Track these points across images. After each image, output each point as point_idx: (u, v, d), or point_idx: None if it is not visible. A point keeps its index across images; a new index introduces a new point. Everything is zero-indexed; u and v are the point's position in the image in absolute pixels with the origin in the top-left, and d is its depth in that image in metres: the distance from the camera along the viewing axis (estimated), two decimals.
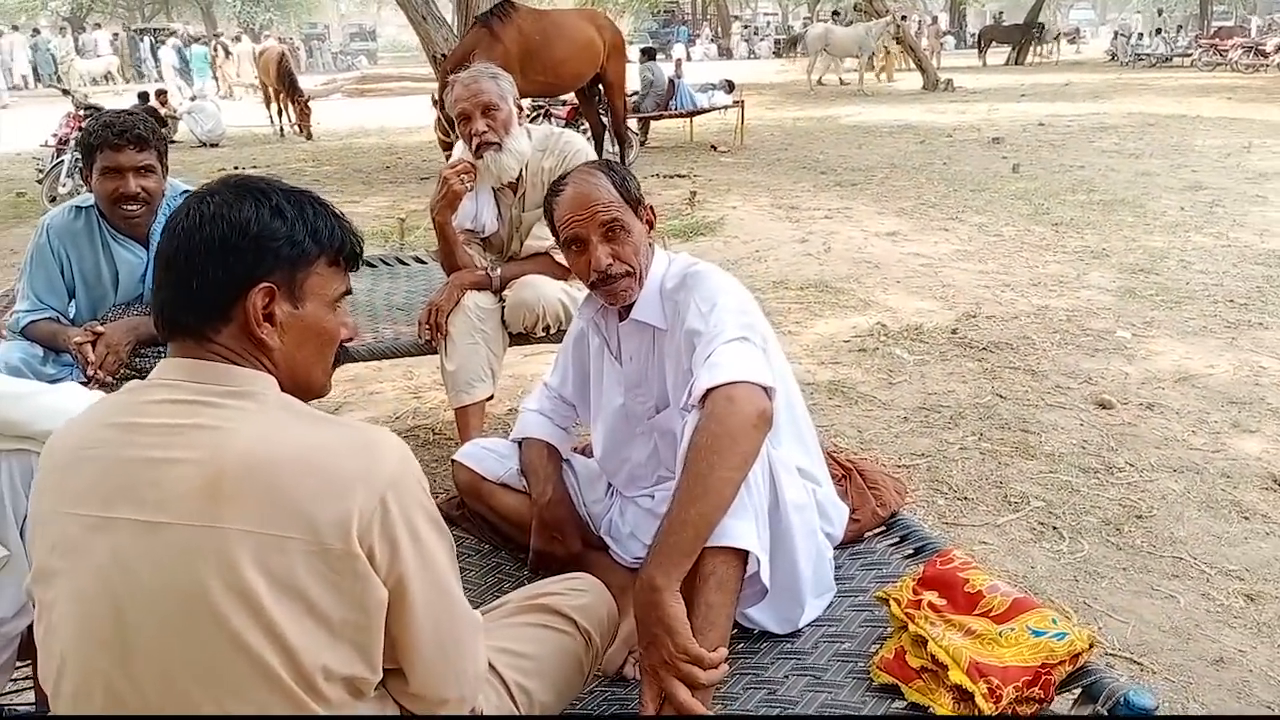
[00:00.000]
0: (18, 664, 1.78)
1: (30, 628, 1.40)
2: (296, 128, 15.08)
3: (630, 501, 2.13)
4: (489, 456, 2.18)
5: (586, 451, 2.40)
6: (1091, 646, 1.56)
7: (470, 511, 2.26)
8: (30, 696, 1.96)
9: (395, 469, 1.13)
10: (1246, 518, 2.87)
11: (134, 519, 1.08)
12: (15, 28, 32.04)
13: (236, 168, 11.32)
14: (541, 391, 2.22)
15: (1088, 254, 6.03)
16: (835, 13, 29.10)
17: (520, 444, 2.16)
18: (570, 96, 9.81)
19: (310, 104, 15.09)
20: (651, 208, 1.97)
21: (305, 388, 1.23)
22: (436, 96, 8.28)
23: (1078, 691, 1.52)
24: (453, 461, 2.24)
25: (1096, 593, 2.55)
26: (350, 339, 1.31)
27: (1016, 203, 7.73)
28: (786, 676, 1.70)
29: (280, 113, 15.60)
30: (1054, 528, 2.86)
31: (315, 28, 46.30)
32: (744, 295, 1.86)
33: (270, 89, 15.50)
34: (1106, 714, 1.45)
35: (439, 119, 8.04)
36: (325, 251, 1.22)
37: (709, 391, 1.60)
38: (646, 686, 1.49)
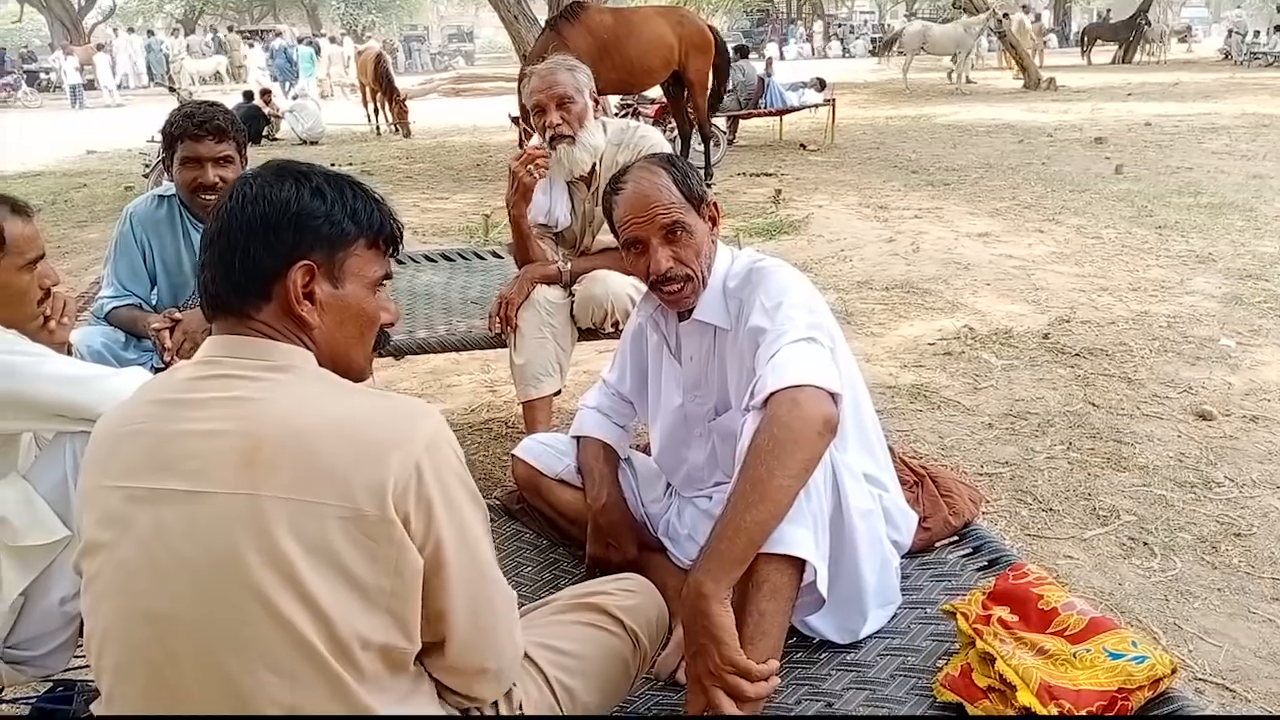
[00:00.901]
0: (80, 642, 1.82)
1: None
2: (393, 126, 15.41)
3: (688, 502, 2.09)
4: (548, 452, 2.15)
5: (646, 449, 2.36)
6: (1174, 672, 1.45)
7: (529, 506, 2.24)
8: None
9: (430, 436, 1.13)
10: None
11: (174, 489, 1.09)
12: (131, 29, 33.49)
13: (333, 164, 11.60)
14: (600, 388, 2.18)
15: (1192, 258, 5.74)
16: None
17: (578, 441, 2.13)
18: (658, 94, 9.78)
19: (407, 103, 15.39)
20: (716, 204, 1.91)
21: (345, 369, 1.24)
22: (521, 114, 8.27)
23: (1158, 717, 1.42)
24: (512, 456, 2.22)
25: (1189, 614, 2.40)
26: (391, 323, 1.31)
27: (1118, 204, 7.41)
28: (845, 689, 1.63)
29: (377, 111, 15.97)
30: (1145, 544, 2.70)
31: (415, 29, 47.33)
32: (811, 293, 1.79)
33: (368, 88, 15.88)
34: None
35: (522, 132, 8.04)
36: (364, 233, 1.23)
37: (773, 394, 1.54)
38: (691, 695, 1.44)
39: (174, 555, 1.08)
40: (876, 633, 1.75)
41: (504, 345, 2.98)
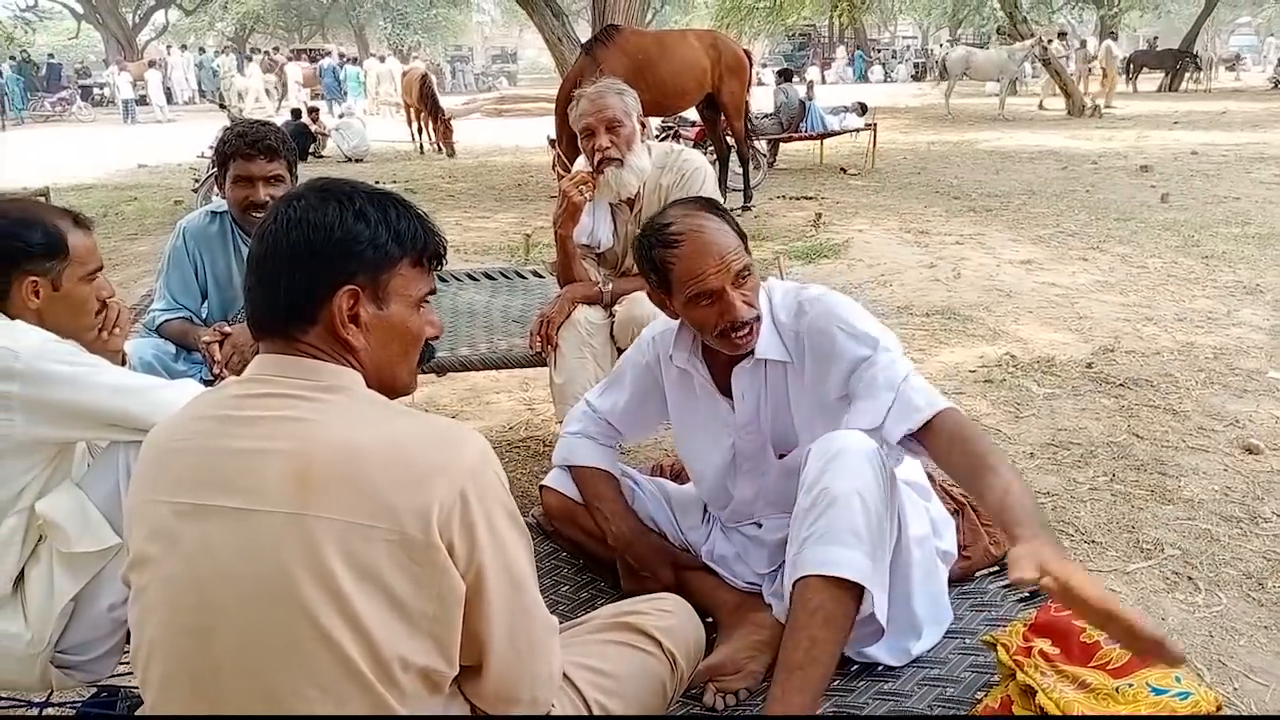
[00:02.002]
0: (126, 648, 1.86)
1: None
2: (437, 146, 15.60)
3: (733, 529, 2.08)
4: None
5: (679, 476, 2.36)
6: (1219, 709, 1.43)
7: (561, 535, 2.24)
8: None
9: (475, 463, 1.14)
10: None
11: (225, 505, 1.11)
12: (184, 47, 34.21)
13: (378, 182, 11.74)
14: (585, 414, 2.16)
15: (1240, 289, 5.65)
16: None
17: (571, 470, 2.12)
18: (698, 118, 9.82)
19: (451, 122, 15.57)
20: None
21: (390, 386, 1.26)
22: (556, 136, 8.25)
23: None
24: (541, 488, 2.20)
25: (1234, 650, 2.35)
26: (436, 337, 1.32)
27: (1164, 234, 7.32)
28: (888, 717, 1.62)
29: (420, 130, 16.17)
30: (1189, 578, 2.66)
31: (460, 50, 47.93)
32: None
33: (412, 108, 16.09)
34: None
35: (557, 156, 8.09)
36: (408, 253, 1.24)
37: (940, 412, 1.64)
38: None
39: (221, 571, 1.10)
40: (917, 661, 1.74)
41: (544, 364, 3.00)
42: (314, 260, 1.18)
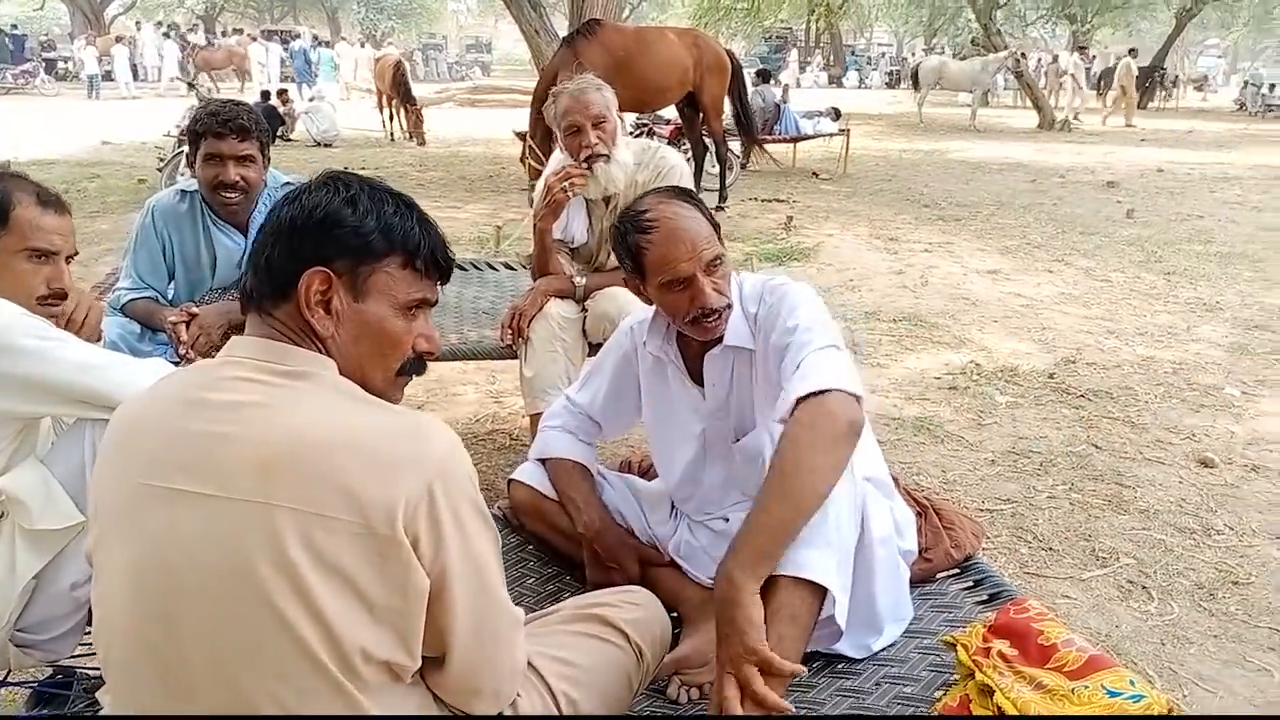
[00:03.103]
0: (87, 629, 1.83)
1: None
2: (407, 134, 15.49)
3: (701, 525, 2.09)
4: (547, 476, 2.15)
5: (648, 473, 2.37)
6: (1170, 712, 1.46)
7: (527, 531, 2.23)
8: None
9: (444, 458, 1.13)
10: None
11: (189, 490, 1.10)
12: (159, 24, 33.64)
13: (345, 168, 11.62)
14: (565, 408, 2.17)
15: (1200, 306, 5.76)
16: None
17: (545, 463, 2.11)
18: (673, 115, 9.83)
19: (423, 111, 15.46)
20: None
21: (361, 386, 1.22)
22: (529, 130, 8.13)
23: None
24: (510, 481, 2.20)
25: (1184, 659, 2.41)
26: (432, 353, 1.29)
27: (1128, 249, 7.45)
28: (844, 714, 1.64)
29: (391, 118, 16.04)
30: (1143, 587, 2.72)
31: (434, 38, 47.57)
32: (820, 304, 1.84)
33: (384, 95, 15.95)
34: None
35: (529, 149, 8.01)
36: (397, 250, 1.22)
37: (801, 399, 1.58)
38: (717, 681, 1.44)
39: (186, 556, 1.09)
40: (876, 659, 1.76)
41: (514, 356, 3.00)
42: (294, 236, 1.18)
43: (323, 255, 1.18)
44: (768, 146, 10.86)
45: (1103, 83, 28.37)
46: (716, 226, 1.86)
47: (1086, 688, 1.51)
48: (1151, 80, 27.13)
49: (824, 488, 1.52)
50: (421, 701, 1.22)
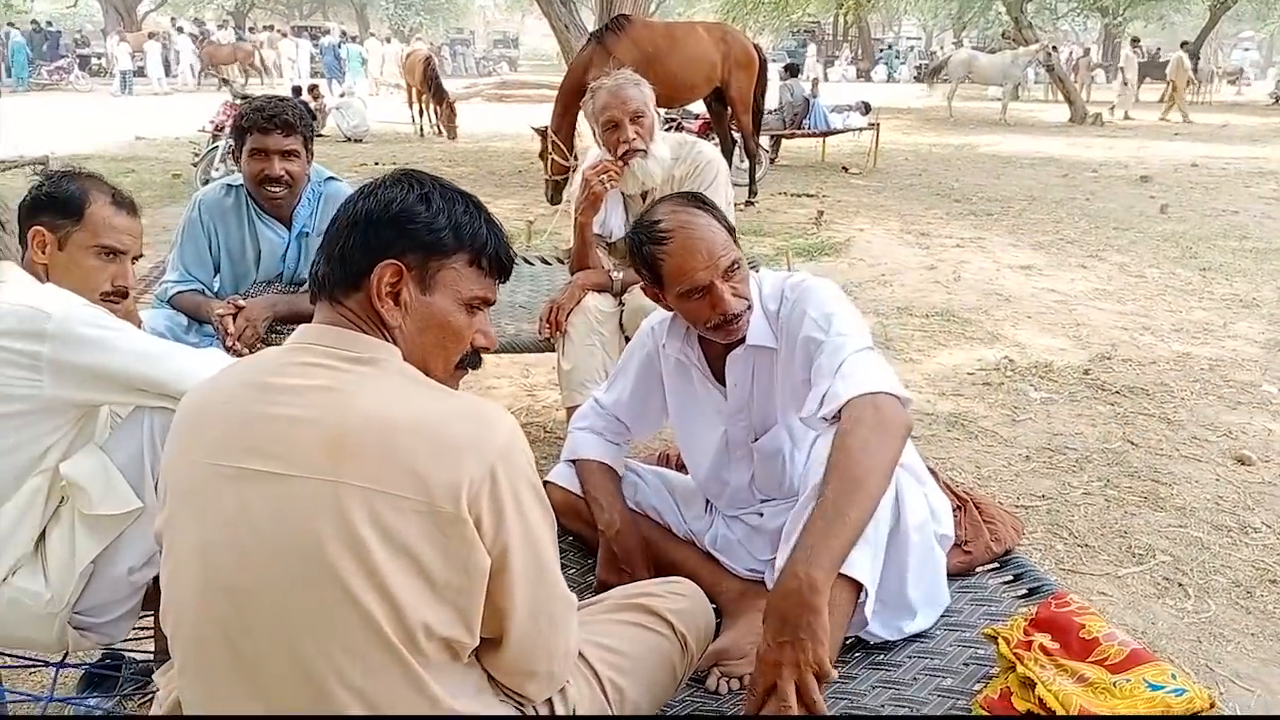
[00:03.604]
0: (142, 613, 1.88)
1: (156, 579, 1.48)
2: (437, 128, 15.57)
3: (735, 519, 2.11)
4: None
5: (684, 467, 2.38)
6: (1212, 706, 1.47)
7: (565, 530, 2.25)
8: (151, 646, 2.06)
9: (506, 441, 1.17)
10: None
11: (259, 470, 1.14)
12: (173, 20, 33.95)
13: (377, 163, 11.75)
14: (593, 409, 2.18)
15: (1236, 302, 5.71)
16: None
17: (575, 464, 2.13)
18: (702, 110, 9.84)
19: (454, 106, 15.53)
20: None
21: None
22: (553, 126, 8.04)
23: None
24: (545, 483, 2.22)
25: (1221, 656, 2.40)
26: (489, 348, 1.33)
27: (1163, 244, 7.39)
28: (884, 705, 1.65)
29: (421, 113, 16.13)
30: (1180, 584, 2.71)
31: (461, 33, 47.76)
32: (848, 302, 1.85)
33: (414, 89, 16.04)
34: None
35: (552, 143, 7.93)
36: (465, 248, 1.27)
37: (850, 400, 1.59)
38: (762, 677, 1.44)
39: (256, 533, 1.12)
40: (917, 650, 1.77)
41: (551, 350, 3.03)
42: (370, 228, 1.22)
43: (396, 248, 1.22)
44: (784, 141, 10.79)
45: (1145, 77, 28.05)
46: (731, 230, 1.86)
47: (1129, 681, 1.52)
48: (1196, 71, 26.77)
49: (884, 489, 1.54)
50: (479, 681, 1.25)
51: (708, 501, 2.18)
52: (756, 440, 1.96)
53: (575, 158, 7.63)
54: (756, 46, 9.20)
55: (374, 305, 1.22)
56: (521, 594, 1.20)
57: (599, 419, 2.17)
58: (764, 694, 1.43)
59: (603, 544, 2.02)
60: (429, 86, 15.29)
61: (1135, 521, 3.05)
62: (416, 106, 16.26)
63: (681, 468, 2.40)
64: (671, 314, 1.98)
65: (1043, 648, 1.60)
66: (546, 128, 7.99)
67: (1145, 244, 7.40)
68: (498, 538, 1.15)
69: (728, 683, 1.79)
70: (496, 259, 1.30)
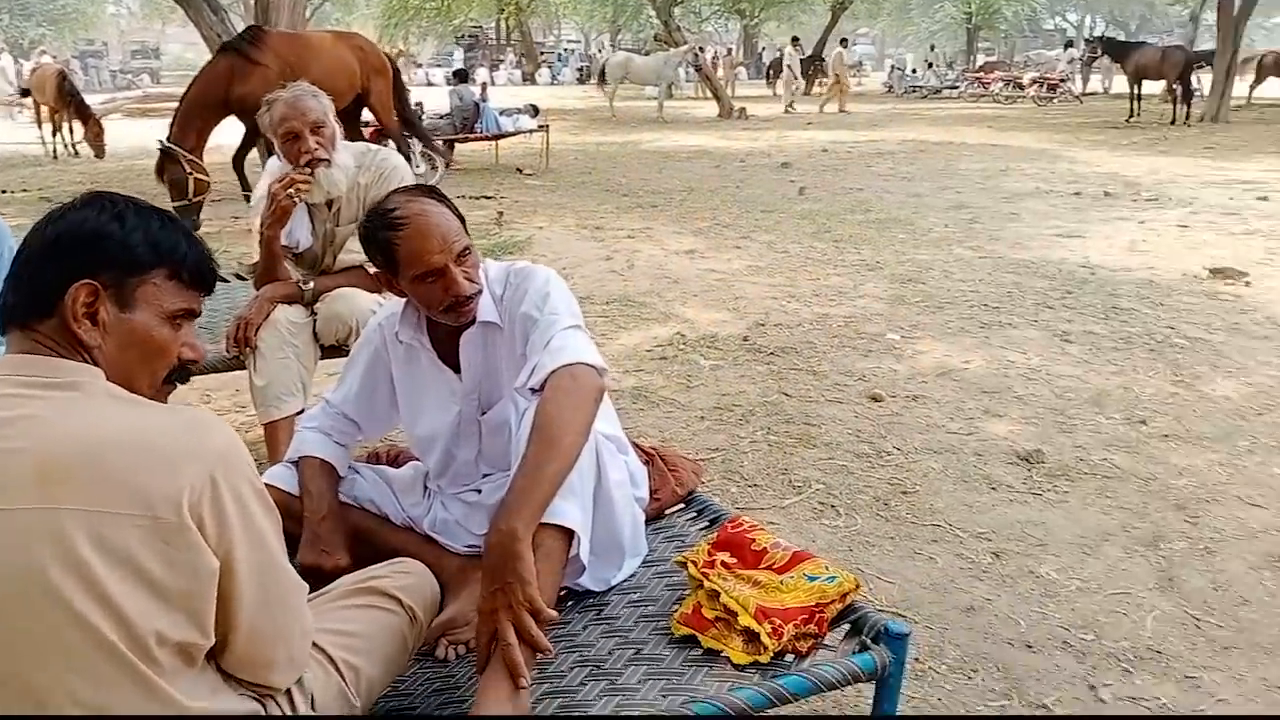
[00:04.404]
0: None
1: None
2: (73, 149, 14.13)
3: (454, 498, 2.24)
4: (295, 477, 2.20)
5: (395, 461, 2.48)
6: (858, 587, 1.83)
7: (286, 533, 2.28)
8: None
9: (223, 446, 1.21)
10: (994, 488, 3.30)
11: None
12: None
13: (4, 191, 10.57)
14: (322, 409, 2.24)
15: (864, 267, 6.59)
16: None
17: (298, 462, 2.16)
18: (370, 117, 9.81)
19: (101, 122, 14.14)
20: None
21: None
22: (171, 140, 7.53)
23: (847, 626, 1.78)
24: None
25: (869, 559, 2.87)
26: (196, 360, 1.35)
27: (802, 222, 8.31)
28: (597, 640, 1.86)
29: (55, 132, 14.60)
30: (832, 506, 3.19)
31: (92, 44, 43.37)
32: (566, 287, 2.06)
33: (47, 108, 14.46)
34: (870, 641, 1.71)
35: (186, 159, 7.39)
36: (164, 263, 1.28)
37: (554, 371, 1.79)
38: (482, 626, 1.60)
39: None
40: (621, 588, 2.02)
41: (241, 368, 2.98)
42: (60, 252, 1.21)
43: (90, 269, 1.22)
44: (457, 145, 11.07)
45: (772, 72, 30.79)
46: (462, 219, 2.02)
47: (792, 578, 1.85)
48: (813, 68, 29.79)
49: (580, 446, 1.74)
50: (214, 681, 1.29)
51: (425, 489, 2.30)
52: (485, 414, 2.11)
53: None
54: (387, 55, 9.59)
55: (70, 328, 1.21)
56: (252, 586, 1.24)
57: (327, 418, 2.21)
58: (488, 643, 1.59)
59: (307, 527, 2.04)
60: (67, 103, 13.82)
61: (793, 460, 3.53)
62: (49, 126, 14.66)
63: (393, 463, 2.51)
64: (404, 303, 2.08)
65: (724, 564, 1.89)
66: (172, 143, 7.51)
67: (788, 223, 8.29)
68: (222, 539, 1.19)
69: (455, 649, 1.93)
70: (198, 271, 1.32)
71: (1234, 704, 2.24)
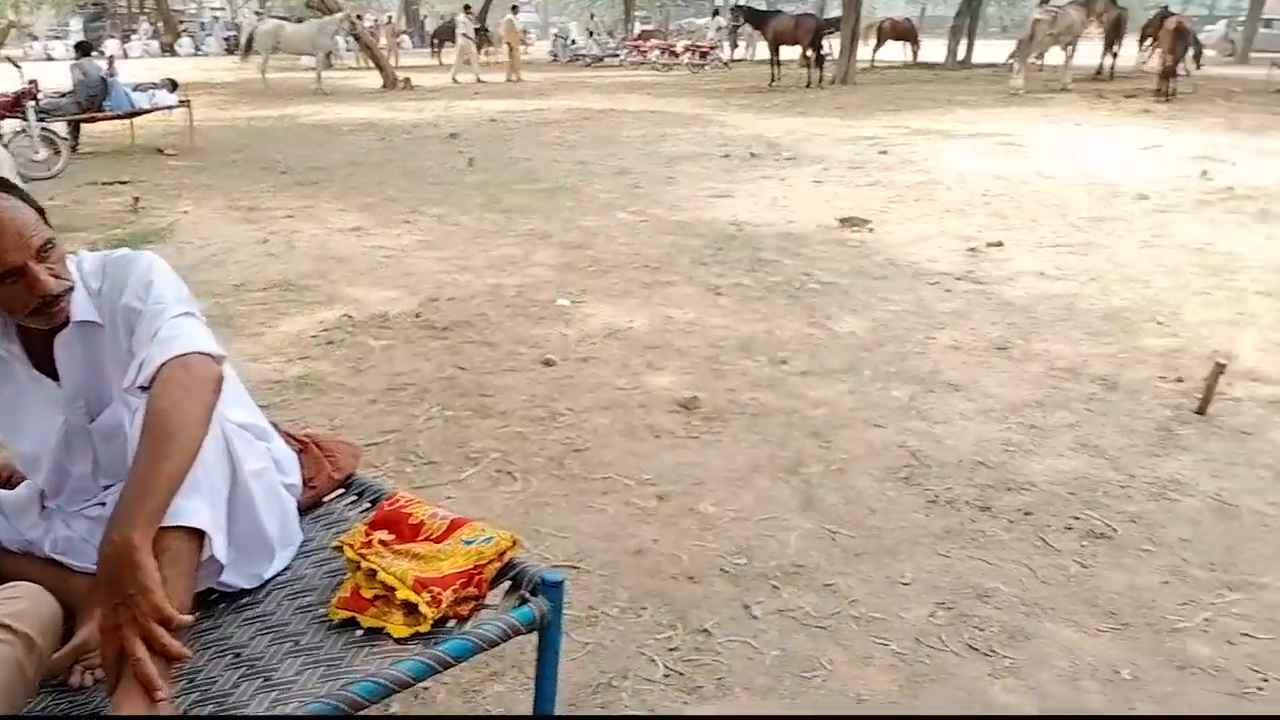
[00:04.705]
0: None
1: None
2: None
3: (76, 516, 2.05)
4: None
5: (8, 483, 2.24)
6: (515, 544, 1.87)
7: None
8: None
9: None
10: (658, 436, 3.49)
11: None
12: None
13: None
14: None
15: (534, 236, 6.69)
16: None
17: None
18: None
19: None
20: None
21: None
22: None
23: (508, 584, 1.82)
24: None
25: (544, 519, 2.95)
26: None
27: (472, 193, 8.29)
28: (251, 638, 1.78)
29: None
30: (509, 473, 3.24)
31: None
32: (172, 273, 1.91)
33: None
34: (529, 594, 1.76)
35: None
36: None
37: (163, 364, 1.66)
38: (106, 647, 1.48)
39: None
40: (276, 583, 1.93)
41: None
42: None
43: None
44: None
45: (436, 41, 30.28)
46: (41, 211, 1.82)
47: (449, 545, 1.86)
48: (482, 36, 29.62)
49: (199, 440, 1.63)
50: None
51: (42, 508, 2.09)
52: (94, 421, 1.93)
53: None
54: None
55: None
56: None
57: None
58: (115, 662, 1.47)
59: None
60: None
61: (469, 432, 3.54)
62: None
63: (6, 485, 2.25)
64: None
65: (381, 542, 1.87)
66: None
67: (458, 195, 8.24)
68: None
69: (91, 674, 1.78)
70: None
71: (865, 603, 2.53)
